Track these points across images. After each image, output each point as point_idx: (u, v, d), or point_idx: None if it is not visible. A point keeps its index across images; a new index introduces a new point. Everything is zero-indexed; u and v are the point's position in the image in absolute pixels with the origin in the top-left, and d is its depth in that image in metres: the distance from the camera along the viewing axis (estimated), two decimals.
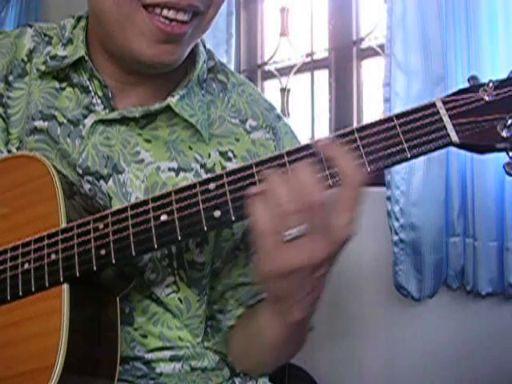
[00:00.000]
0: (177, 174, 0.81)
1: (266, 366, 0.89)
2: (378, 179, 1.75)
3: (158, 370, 0.83)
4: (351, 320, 1.95)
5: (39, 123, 0.83)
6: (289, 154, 0.62)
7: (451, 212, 1.66)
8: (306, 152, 0.62)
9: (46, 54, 0.86)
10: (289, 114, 2.25)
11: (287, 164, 0.62)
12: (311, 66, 2.18)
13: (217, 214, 0.63)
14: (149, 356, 0.82)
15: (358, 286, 1.92)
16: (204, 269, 0.83)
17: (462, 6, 1.60)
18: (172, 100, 0.80)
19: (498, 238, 1.57)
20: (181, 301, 0.82)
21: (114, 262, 0.67)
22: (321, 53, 2.17)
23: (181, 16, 0.72)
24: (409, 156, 0.59)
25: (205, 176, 0.81)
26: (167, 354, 0.83)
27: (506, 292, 1.59)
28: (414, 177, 1.65)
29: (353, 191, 0.59)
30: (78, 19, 0.87)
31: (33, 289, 0.70)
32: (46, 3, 2.70)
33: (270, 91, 2.30)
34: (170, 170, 0.81)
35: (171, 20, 0.72)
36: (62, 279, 0.68)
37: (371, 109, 2.07)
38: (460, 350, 1.74)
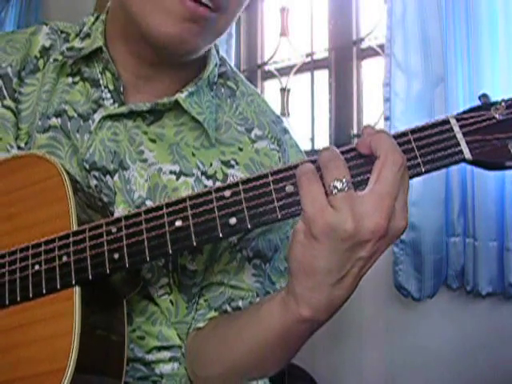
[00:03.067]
0: (177, 178, 0.81)
1: (237, 377, 0.78)
2: None
3: (157, 371, 0.82)
4: (351, 320, 1.95)
5: (53, 120, 0.83)
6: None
7: (451, 212, 1.66)
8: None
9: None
10: (289, 114, 2.25)
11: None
12: (311, 65, 2.18)
13: (232, 221, 0.62)
14: (148, 357, 0.82)
15: (357, 286, 1.92)
16: (195, 277, 0.82)
17: (462, 6, 1.61)
18: (181, 96, 0.80)
19: (498, 237, 1.57)
20: (172, 303, 0.81)
21: (127, 266, 0.66)
22: (321, 53, 2.17)
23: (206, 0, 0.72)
24: (423, 171, 0.60)
25: (206, 182, 0.81)
26: (167, 354, 0.82)
27: (506, 292, 1.59)
28: None
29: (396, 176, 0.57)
30: (97, 17, 0.88)
31: (44, 291, 0.69)
32: (46, 3, 2.70)
33: (270, 91, 2.31)
34: (171, 172, 0.81)
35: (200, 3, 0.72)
36: (73, 281, 0.68)
37: (371, 109, 2.07)
38: (460, 350, 1.74)
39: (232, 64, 0.94)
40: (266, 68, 2.32)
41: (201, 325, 0.83)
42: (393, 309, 1.85)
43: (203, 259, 0.81)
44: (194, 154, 0.82)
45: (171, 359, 0.83)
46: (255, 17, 2.36)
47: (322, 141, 2.16)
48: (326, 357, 1.98)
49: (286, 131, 0.89)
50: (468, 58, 1.60)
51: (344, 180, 0.57)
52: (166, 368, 0.83)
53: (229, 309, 0.83)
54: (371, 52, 2.05)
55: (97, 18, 0.88)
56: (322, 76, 2.16)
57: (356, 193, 0.57)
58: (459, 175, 1.64)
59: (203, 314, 0.84)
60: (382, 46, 1.93)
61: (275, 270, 0.87)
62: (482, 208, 1.57)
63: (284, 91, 2.25)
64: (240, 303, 0.83)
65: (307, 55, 2.20)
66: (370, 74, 2.08)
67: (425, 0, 1.65)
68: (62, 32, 0.89)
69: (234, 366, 0.76)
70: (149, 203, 0.79)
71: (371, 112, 2.06)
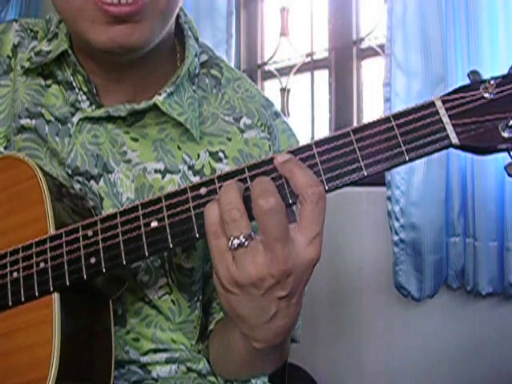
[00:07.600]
0: (163, 176, 0.78)
1: (241, 376, 0.83)
2: (378, 179, 1.75)
3: (154, 374, 0.81)
4: (351, 320, 1.95)
5: (26, 121, 0.80)
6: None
7: (451, 212, 1.66)
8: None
9: (31, 50, 0.83)
10: (289, 114, 2.25)
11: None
12: (311, 66, 2.18)
13: None
14: (144, 359, 0.80)
15: (358, 286, 1.92)
16: (193, 275, 0.80)
17: (462, 5, 1.60)
18: (159, 98, 0.77)
19: (498, 237, 1.57)
20: (174, 303, 0.80)
21: (104, 270, 0.64)
22: (321, 53, 2.17)
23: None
24: (407, 159, 0.57)
25: (192, 178, 0.79)
26: (163, 356, 0.81)
27: (506, 292, 1.59)
28: (414, 177, 1.65)
29: (313, 209, 0.56)
30: None
31: (22, 298, 0.68)
32: (46, 3, 2.70)
33: (270, 91, 2.30)
34: (156, 171, 0.78)
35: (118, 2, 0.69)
36: (51, 288, 0.66)
37: (371, 109, 2.07)
38: (460, 350, 1.74)
39: (232, 64, 0.92)
40: (266, 68, 2.32)
41: (211, 327, 0.83)
42: (393, 309, 1.85)
43: (198, 255, 0.80)
44: (179, 148, 0.80)
45: (168, 361, 0.81)
46: (255, 17, 2.36)
47: None
48: (326, 356, 1.98)
49: (277, 115, 0.86)
50: (468, 58, 1.60)
51: (241, 236, 0.56)
52: (163, 370, 0.81)
53: None
54: (371, 52, 2.05)
55: None
56: (322, 76, 2.16)
57: (255, 243, 0.56)
58: (459, 175, 1.64)
59: (215, 317, 0.83)
60: (382, 46, 1.92)
61: None
62: (481, 208, 1.57)
63: (284, 91, 2.25)
64: None
65: (307, 55, 2.19)
66: (370, 74, 2.08)
67: (425, 0, 1.65)
68: (31, 31, 0.86)
69: (236, 367, 0.79)
70: None
71: (371, 112, 2.06)
